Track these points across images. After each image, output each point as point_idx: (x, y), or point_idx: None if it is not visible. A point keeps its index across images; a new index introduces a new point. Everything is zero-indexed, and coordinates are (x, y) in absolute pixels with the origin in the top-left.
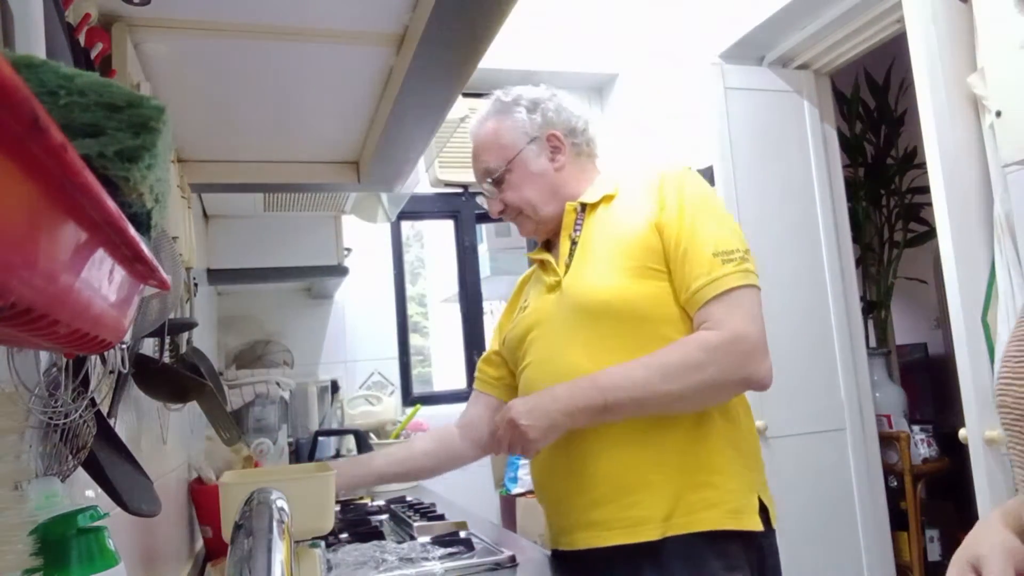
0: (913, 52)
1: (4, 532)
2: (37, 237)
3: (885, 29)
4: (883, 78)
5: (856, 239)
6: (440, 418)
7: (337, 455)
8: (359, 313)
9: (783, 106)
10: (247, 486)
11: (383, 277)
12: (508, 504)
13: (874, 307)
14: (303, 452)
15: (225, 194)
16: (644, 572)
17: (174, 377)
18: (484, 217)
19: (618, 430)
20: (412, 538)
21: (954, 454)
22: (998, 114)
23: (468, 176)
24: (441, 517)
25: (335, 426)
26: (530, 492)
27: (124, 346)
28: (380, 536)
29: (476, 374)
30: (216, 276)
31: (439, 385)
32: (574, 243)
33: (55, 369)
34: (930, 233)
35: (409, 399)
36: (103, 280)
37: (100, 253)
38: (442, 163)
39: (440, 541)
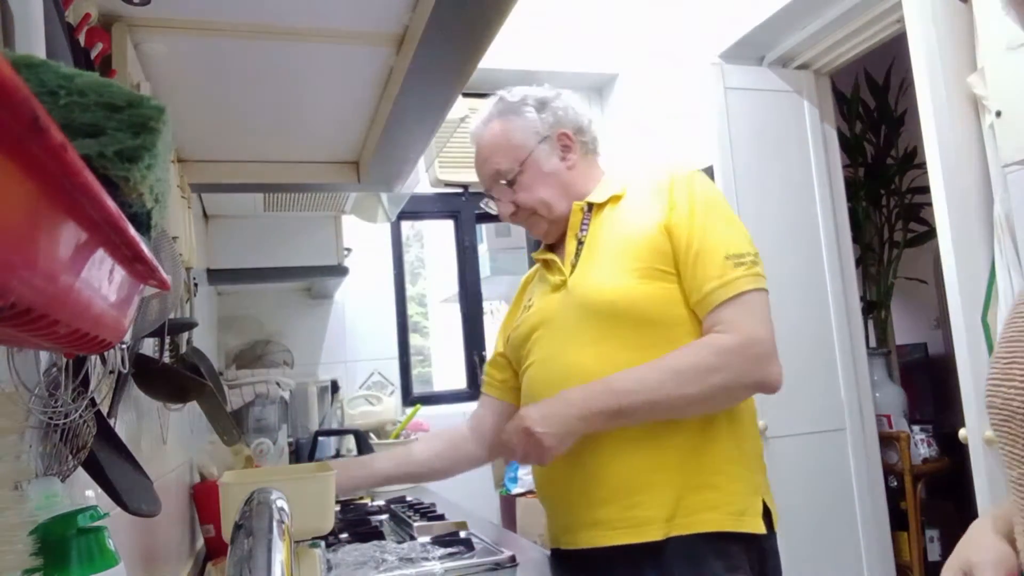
0: (913, 52)
1: (4, 532)
2: (37, 237)
3: (885, 29)
4: (883, 78)
5: (856, 239)
6: (440, 418)
7: (337, 455)
8: (359, 313)
9: (783, 106)
10: (247, 486)
11: (383, 277)
12: (508, 504)
13: (874, 307)
14: (303, 452)
15: (225, 194)
16: (645, 572)
17: (174, 377)
18: (484, 217)
19: (623, 430)
20: (412, 538)
21: (954, 454)
22: (998, 114)
23: (468, 176)
24: (441, 517)
25: (335, 426)
26: (530, 492)
27: (124, 346)
28: (380, 536)
29: (483, 377)
30: (216, 276)
31: (439, 385)
32: (580, 243)
33: (55, 369)
34: (930, 233)
35: (409, 399)
36: (103, 280)
37: (100, 253)
38: (442, 163)
39: (440, 541)
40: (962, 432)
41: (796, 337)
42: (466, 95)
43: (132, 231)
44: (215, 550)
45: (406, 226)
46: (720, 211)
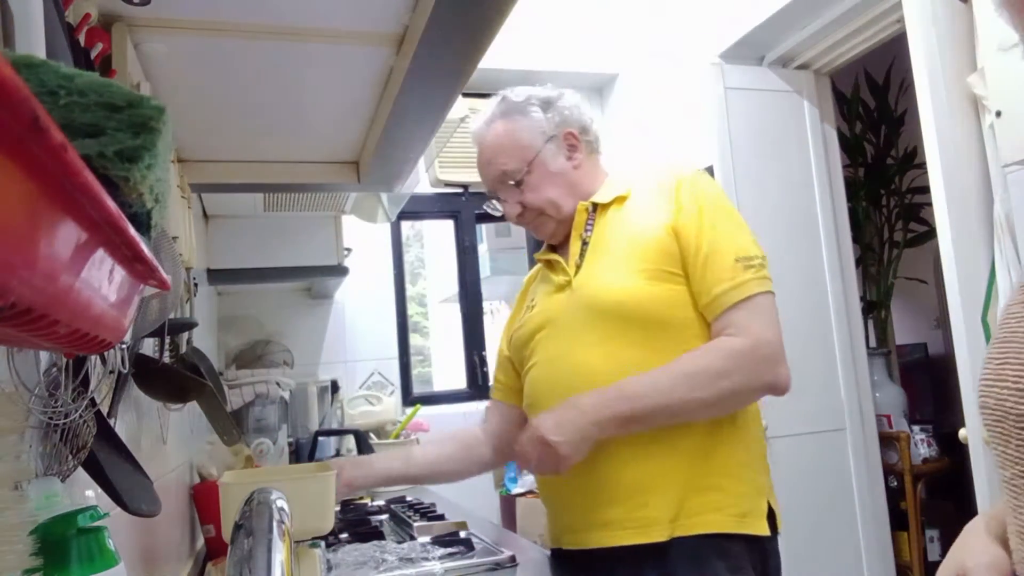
0: (913, 52)
1: (4, 532)
2: (37, 237)
3: (885, 29)
4: (883, 78)
5: (856, 239)
6: (440, 418)
7: (337, 455)
8: (359, 313)
9: (783, 106)
10: (247, 486)
11: (383, 277)
12: (508, 504)
13: (874, 307)
14: (303, 452)
15: (225, 194)
16: (647, 572)
17: (174, 377)
18: (484, 217)
19: None
20: (412, 538)
21: (954, 454)
22: (998, 114)
23: (468, 176)
24: (441, 517)
25: (335, 426)
26: (530, 492)
27: (124, 346)
28: (380, 536)
29: (492, 382)
30: (216, 276)
31: (439, 385)
32: (585, 243)
33: (55, 369)
34: (930, 233)
35: (409, 399)
36: (103, 280)
37: (100, 253)
38: (442, 163)
39: (440, 541)
40: (962, 432)
41: (796, 337)
42: (466, 95)
43: (132, 231)
44: (215, 550)
45: (406, 226)
46: (727, 213)
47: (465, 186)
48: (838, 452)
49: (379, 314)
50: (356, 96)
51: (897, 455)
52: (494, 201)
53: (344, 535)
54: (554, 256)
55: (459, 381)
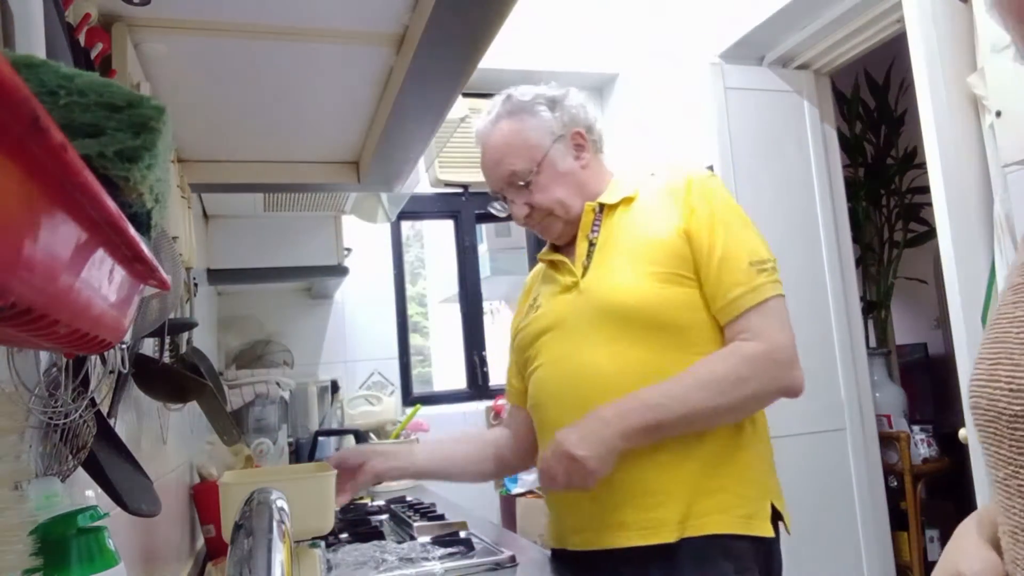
0: (913, 52)
1: (4, 532)
2: (37, 237)
3: (885, 29)
4: (883, 78)
5: (856, 239)
6: (440, 418)
7: None
8: (359, 313)
9: (783, 106)
10: (247, 486)
11: (383, 277)
12: (508, 504)
13: (874, 307)
14: (303, 452)
15: (225, 194)
16: (652, 572)
17: (174, 377)
18: (484, 217)
19: None
20: (412, 538)
21: (954, 454)
22: (998, 114)
23: (468, 176)
24: (441, 517)
25: (335, 426)
26: (530, 492)
27: (124, 346)
28: (380, 536)
29: (506, 386)
30: (216, 276)
31: (439, 385)
32: (592, 244)
33: (55, 369)
34: (930, 233)
35: (409, 399)
36: (103, 280)
37: (100, 253)
38: (442, 163)
39: (440, 541)
40: (962, 432)
41: (796, 337)
42: (466, 95)
43: (132, 231)
44: (215, 550)
45: (406, 226)
46: (739, 216)
47: (465, 186)
48: (838, 452)
49: (379, 314)
50: (356, 96)
51: (897, 455)
52: (499, 202)
53: (344, 535)
54: (559, 256)
55: (459, 381)
